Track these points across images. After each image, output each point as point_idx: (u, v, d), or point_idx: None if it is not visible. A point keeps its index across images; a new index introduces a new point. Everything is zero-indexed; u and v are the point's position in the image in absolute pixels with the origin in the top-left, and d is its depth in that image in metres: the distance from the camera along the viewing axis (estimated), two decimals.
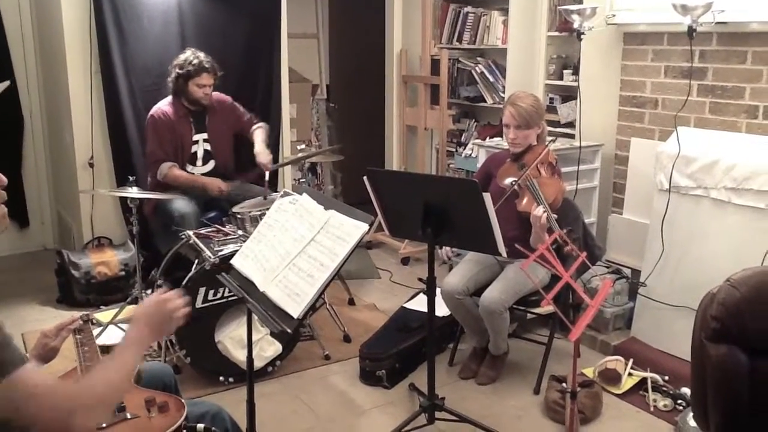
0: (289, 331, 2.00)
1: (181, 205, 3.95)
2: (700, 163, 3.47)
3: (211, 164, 4.27)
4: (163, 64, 4.33)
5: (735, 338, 1.64)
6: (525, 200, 3.26)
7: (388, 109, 5.94)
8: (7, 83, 3.73)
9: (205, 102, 4.15)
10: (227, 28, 4.87)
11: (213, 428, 2.01)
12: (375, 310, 4.39)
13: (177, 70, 4.05)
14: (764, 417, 1.64)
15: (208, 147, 4.24)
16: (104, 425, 1.84)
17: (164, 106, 4.13)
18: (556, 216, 3.13)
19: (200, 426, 1.97)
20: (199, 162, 4.23)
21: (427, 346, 3.05)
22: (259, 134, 4.32)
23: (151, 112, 4.13)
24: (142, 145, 4.49)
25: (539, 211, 3.12)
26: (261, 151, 4.21)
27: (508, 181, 3.34)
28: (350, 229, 2.04)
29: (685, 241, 3.54)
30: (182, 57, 4.08)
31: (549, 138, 3.56)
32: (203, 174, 4.23)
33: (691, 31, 3.47)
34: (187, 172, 4.17)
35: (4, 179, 1.71)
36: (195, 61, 4.03)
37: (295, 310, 1.98)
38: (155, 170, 4.10)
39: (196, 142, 4.20)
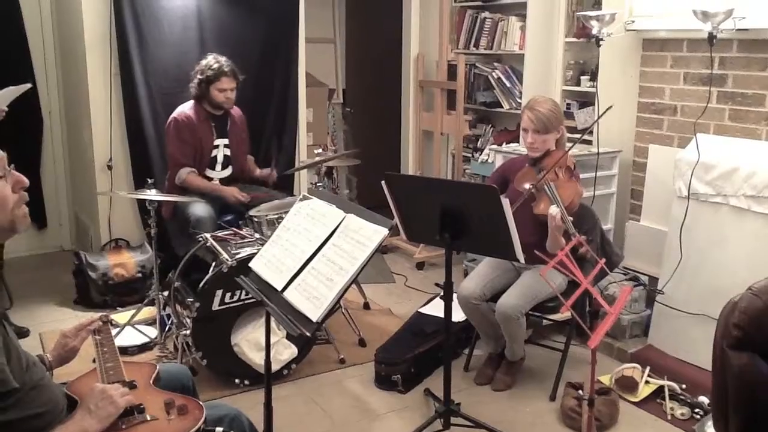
0: (308, 334, 2.00)
1: (198, 208, 3.97)
2: (720, 171, 3.45)
3: (230, 170, 4.30)
4: (182, 67, 4.36)
5: (757, 346, 1.62)
6: (542, 204, 3.25)
7: (404, 113, 5.94)
8: (28, 86, 3.76)
9: (227, 106, 4.18)
10: (246, 32, 4.90)
11: None
12: (390, 314, 4.39)
13: (199, 75, 4.09)
14: None
15: (228, 152, 4.27)
16: (124, 426, 1.84)
17: (187, 109, 4.15)
18: (572, 219, 3.12)
19: (219, 429, 1.97)
20: (219, 167, 4.26)
21: (443, 351, 3.04)
22: (251, 159, 4.52)
23: (174, 115, 4.14)
24: (160, 147, 4.53)
25: (554, 210, 3.11)
26: (260, 170, 4.46)
27: (527, 186, 3.33)
28: (370, 233, 2.04)
29: (704, 249, 3.52)
30: (204, 62, 4.11)
31: (568, 144, 3.53)
32: (221, 179, 4.26)
33: (711, 37, 3.45)
34: (206, 176, 4.20)
35: (26, 180, 1.79)
36: (215, 66, 4.06)
37: (315, 314, 1.98)
38: (174, 173, 4.13)
39: (217, 146, 4.23)
